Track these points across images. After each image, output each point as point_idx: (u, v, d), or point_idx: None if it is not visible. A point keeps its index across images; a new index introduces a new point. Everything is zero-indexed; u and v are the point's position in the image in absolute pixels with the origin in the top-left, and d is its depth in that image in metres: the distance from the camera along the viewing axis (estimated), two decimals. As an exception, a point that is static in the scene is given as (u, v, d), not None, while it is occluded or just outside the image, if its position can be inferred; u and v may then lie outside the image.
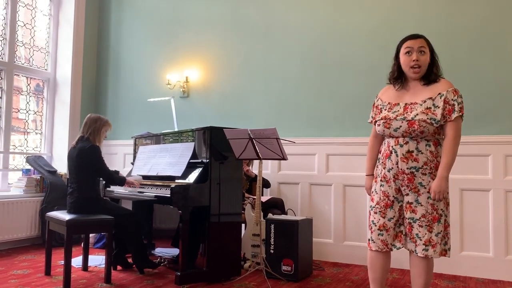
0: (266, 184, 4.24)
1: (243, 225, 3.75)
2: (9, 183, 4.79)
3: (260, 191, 3.54)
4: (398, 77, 2.35)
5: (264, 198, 4.05)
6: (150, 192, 3.45)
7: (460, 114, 2.19)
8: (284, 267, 3.39)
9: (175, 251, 3.99)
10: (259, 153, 3.34)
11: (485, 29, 3.68)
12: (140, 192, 3.54)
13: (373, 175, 2.46)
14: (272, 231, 3.46)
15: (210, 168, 3.32)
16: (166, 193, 3.22)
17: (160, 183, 3.46)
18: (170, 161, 3.59)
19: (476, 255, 3.59)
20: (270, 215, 3.65)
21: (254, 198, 3.97)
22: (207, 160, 3.35)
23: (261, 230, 3.52)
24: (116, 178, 3.53)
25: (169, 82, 4.99)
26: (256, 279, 3.38)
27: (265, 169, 4.39)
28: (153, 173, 3.69)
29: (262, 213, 3.62)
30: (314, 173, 4.23)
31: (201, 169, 3.35)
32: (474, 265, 3.57)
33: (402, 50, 2.30)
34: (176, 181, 3.40)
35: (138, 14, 5.47)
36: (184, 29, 5.10)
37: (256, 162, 4.17)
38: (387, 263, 2.37)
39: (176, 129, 4.35)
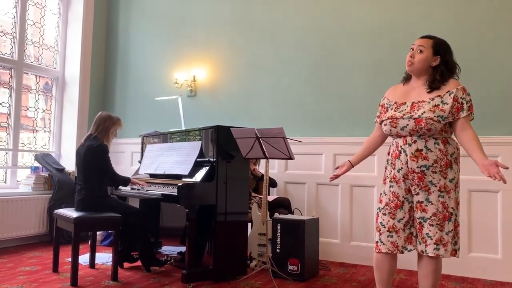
0: (272, 183, 4.23)
1: (249, 224, 3.75)
2: (17, 181, 4.83)
3: (267, 190, 3.54)
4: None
5: (270, 198, 4.04)
6: (157, 191, 3.46)
7: (469, 112, 2.19)
8: (290, 267, 3.39)
9: (181, 249, 4.00)
10: (266, 153, 3.33)
11: (495, 29, 3.64)
12: (147, 190, 3.55)
13: (351, 163, 2.52)
14: (279, 230, 3.46)
15: (217, 167, 3.33)
16: (173, 191, 3.23)
17: (167, 182, 3.46)
18: (177, 159, 3.60)
19: (484, 256, 3.56)
20: (276, 215, 3.65)
21: (260, 198, 3.96)
22: (214, 159, 3.35)
23: (267, 229, 3.52)
24: (120, 179, 3.54)
25: (176, 81, 5.01)
26: (262, 278, 3.38)
27: (272, 168, 4.38)
28: (160, 171, 3.70)
29: (268, 213, 3.62)
30: (321, 173, 4.22)
31: (208, 168, 3.35)
32: (483, 266, 3.54)
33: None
34: (183, 179, 3.41)
35: (146, 13, 5.49)
36: (192, 28, 5.11)
37: (263, 161, 4.16)
38: (394, 265, 2.36)
39: (183, 128, 4.36)
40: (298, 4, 4.48)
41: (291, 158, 3.27)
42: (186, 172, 3.40)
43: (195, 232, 3.23)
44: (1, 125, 4.75)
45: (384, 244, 2.29)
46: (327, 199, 4.18)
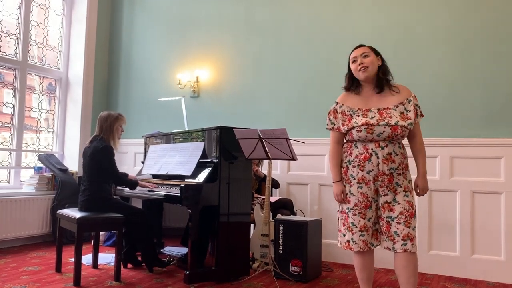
0: (275, 184, 4.24)
1: (252, 225, 3.76)
2: (21, 181, 4.85)
3: (269, 191, 3.54)
4: (353, 83, 2.48)
5: (273, 199, 4.05)
6: (160, 191, 3.46)
7: (421, 116, 2.41)
8: (292, 268, 3.39)
9: (184, 250, 4.01)
10: (269, 153, 3.34)
11: (499, 30, 3.64)
12: (150, 191, 3.56)
13: (341, 180, 2.45)
14: (281, 231, 3.46)
15: (220, 168, 3.33)
16: (176, 192, 3.24)
17: (170, 182, 3.47)
18: (180, 160, 3.60)
19: (487, 258, 3.55)
20: (279, 216, 3.65)
21: (263, 198, 3.97)
22: (217, 160, 3.36)
23: (270, 230, 3.52)
24: (126, 181, 3.51)
25: (179, 82, 5.02)
26: (264, 279, 3.38)
27: (275, 169, 4.39)
28: (163, 172, 3.71)
29: (271, 214, 3.62)
30: (323, 174, 4.22)
31: (210, 168, 3.36)
32: (485, 268, 3.54)
33: (350, 61, 2.47)
34: (186, 180, 3.42)
35: (149, 14, 5.51)
36: (195, 28, 5.12)
37: (265, 162, 4.17)
38: (373, 260, 2.49)
39: (186, 129, 4.37)
40: (301, 4, 4.48)
41: (293, 159, 3.28)
42: (189, 172, 3.41)
43: (198, 233, 3.23)
44: (5, 125, 4.77)
45: (356, 243, 2.38)
46: (330, 200, 4.18)
